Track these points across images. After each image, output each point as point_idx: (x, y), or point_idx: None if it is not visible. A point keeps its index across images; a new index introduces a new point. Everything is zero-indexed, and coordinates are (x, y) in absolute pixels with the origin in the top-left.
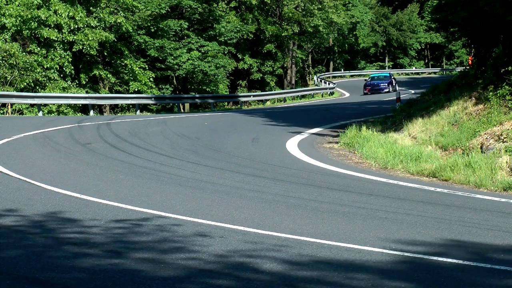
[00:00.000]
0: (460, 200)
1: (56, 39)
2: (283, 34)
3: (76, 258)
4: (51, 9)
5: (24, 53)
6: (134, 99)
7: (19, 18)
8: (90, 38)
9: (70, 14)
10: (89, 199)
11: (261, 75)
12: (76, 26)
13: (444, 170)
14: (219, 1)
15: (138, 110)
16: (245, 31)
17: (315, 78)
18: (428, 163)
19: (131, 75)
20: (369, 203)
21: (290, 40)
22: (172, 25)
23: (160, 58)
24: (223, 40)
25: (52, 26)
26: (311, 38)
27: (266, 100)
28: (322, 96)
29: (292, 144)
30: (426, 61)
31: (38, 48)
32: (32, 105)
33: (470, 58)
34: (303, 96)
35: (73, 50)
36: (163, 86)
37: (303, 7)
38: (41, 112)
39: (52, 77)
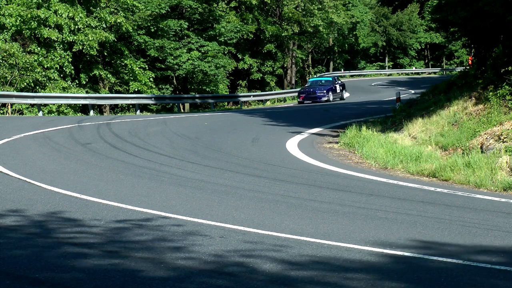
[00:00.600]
0: (460, 200)
1: (56, 39)
2: (283, 34)
3: (76, 258)
4: (51, 9)
5: (24, 53)
6: (134, 99)
7: (19, 18)
8: (90, 38)
9: (70, 14)
10: (89, 199)
11: (261, 75)
12: (76, 27)
13: (444, 170)
14: (219, 1)
15: (138, 110)
16: (245, 31)
17: None
18: (428, 163)
19: (131, 75)
20: (369, 203)
21: (290, 40)
22: (172, 25)
23: (160, 58)
24: (223, 40)
25: (53, 26)
26: (311, 38)
27: (266, 100)
28: None
29: (292, 144)
30: (426, 61)
31: (39, 48)
32: (32, 105)
33: (470, 58)
34: None
35: (73, 50)
36: (163, 86)
37: (303, 7)
38: (41, 112)
39: (52, 77)
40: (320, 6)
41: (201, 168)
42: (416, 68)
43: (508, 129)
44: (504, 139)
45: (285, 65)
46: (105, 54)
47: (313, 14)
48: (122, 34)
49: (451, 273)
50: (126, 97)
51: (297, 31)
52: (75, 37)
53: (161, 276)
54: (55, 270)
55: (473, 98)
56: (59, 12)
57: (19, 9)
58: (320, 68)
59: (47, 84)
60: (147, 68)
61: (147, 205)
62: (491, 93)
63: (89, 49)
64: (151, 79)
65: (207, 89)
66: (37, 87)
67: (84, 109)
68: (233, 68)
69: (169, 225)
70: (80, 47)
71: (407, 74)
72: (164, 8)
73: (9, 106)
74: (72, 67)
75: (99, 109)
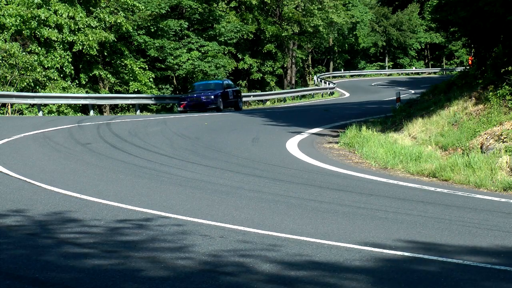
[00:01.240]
0: (460, 200)
1: (56, 39)
2: (283, 34)
3: (76, 258)
4: (51, 9)
5: (24, 53)
6: (134, 99)
7: (19, 18)
8: (90, 38)
9: (70, 14)
10: (89, 199)
11: (261, 75)
12: (76, 27)
13: (444, 170)
14: (219, 1)
15: (138, 110)
16: (245, 31)
17: (315, 78)
18: (428, 163)
19: (131, 75)
20: (369, 203)
21: (290, 40)
22: (172, 25)
23: (160, 58)
24: (223, 40)
25: (53, 26)
26: (311, 38)
27: (266, 100)
28: (322, 96)
29: (292, 144)
30: (426, 61)
31: (39, 48)
32: (32, 105)
33: (470, 58)
34: (303, 96)
35: (73, 50)
36: (163, 86)
37: (303, 7)
38: (41, 112)
39: (52, 77)
40: (320, 6)
41: (201, 168)
42: (416, 68)
43: (508, 129)
44: (504, 139)
45: (285, 65)
46: (105, 54)
47: (313, 14)
48: (122, 34)
49: (451, 273)
50: (126, 97)
51: (297, 31)
52: (75, 37)
53: (161, 276)
54: (55, 270)
55: (473, 98)
56: (59, 12)
57: (19, 9)
58: (320, 68)
59: (47, 84)
60: (147, 68)
61: (147, 205)
62: (491, 93)
63: (89, 49)
64: (151, 79)
65: None
66: (37, 87)
67: (84, 109)
68: (233, 68)
69: (169, 225)
70: (80, 47)
71: (407, 74)
72: (164, 8)
73: (9, 106)
74: (72, 67)
75: (99, 109)
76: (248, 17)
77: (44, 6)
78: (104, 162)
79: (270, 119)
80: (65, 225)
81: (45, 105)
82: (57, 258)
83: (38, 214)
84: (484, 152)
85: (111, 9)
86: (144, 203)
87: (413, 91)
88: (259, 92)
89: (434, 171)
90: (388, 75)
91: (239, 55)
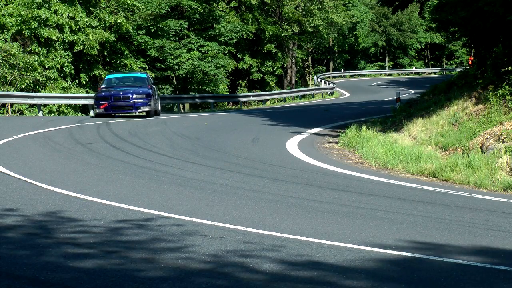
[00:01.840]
0: (460, 200)
1: (56, 39)
2: (283, 34)
3: (76, 258)
4: (52, 9)
5: (24, 53)
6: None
7: (19, 18)
8: (91, 38)
9: (71, 14)
10: (89, 199)
11: (261, 75)
12: (77, 27)
13: (444, 170)
14: (219, 1)
15: None
16: (245, 31)
17: (315, 78)
18: (428, 163)
19: None
20: (369, 203)
21: (290, 40)
22: (172, 25)
23: (160, 58)
24: (223, 40)
25: (53, 26)
26: (311, 38)
27: (266, 100)
28: (322, 96)
29: (292, 144)
30: (426, 61)
31: (39, 48)
32: (32, 105)
33: (470, 58)
34: (303, 96)
35: (74, 50)
36: (163, 86)
37: (303, 7)
38: (41, 112)
39: (53, 77)
40: (320, 6)
41: (201, 168)
42: (416, 68)
43: (508, 129)
44: (504, 139)
45: (285, 65)
46: (105, 54)
47: (313, 14)
48: (122, 34)
49: (451, 273)
50: None
51: (297, 31)
52: (75, 37)
53: (161, 276)
54: (55, 270)
55: (473, 98)
56: (60, 12)
57: (19, 9)
58: (320, 68)
59: (47, 84)
60: (147, 68)
61: (147, 205)
62: (491, 93)
63: (90, 49)
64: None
65: (207, 89)
66: (37, 87)
67: (84, 109)
68: (233, 68)
69: (169, 225)
70: (81, 47)
71: (407, 74)
72: (164, 8)
73: (9, 106)
74: (72, 67)
75: None
76: (248, 17)
77: (44, 6)
78: (104, 162)
79: (270, 119)
80: (65, 225)
81: (45, 105)
82: (57, 258)
83: (38, 214)
84: (484, 152)
85: (111, 9)
86: (144, 203)
87: (413, 91)
88: (259, 92)
89: (434, 171)
90: (388, 75)
91: (239, 55)
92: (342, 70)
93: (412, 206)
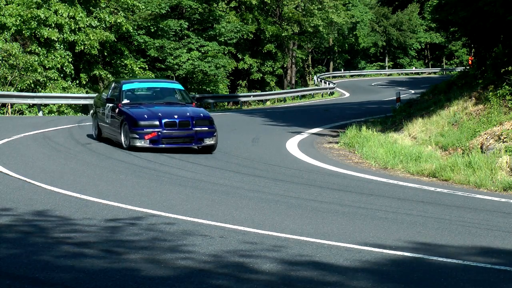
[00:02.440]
0: (460, 200)
1: (56, 39)
2: (283, 34)
3: (76, 258)
4: (51, 9)
5: (24, 54)
6: None
7: (19, 18)
8: (91, 38)
9: (71, 14)
10: (89, 199)
11: (261, 75)
12: (77, 27)
13: (444, 170)
14: (219, 1)
15: None
16: (245, 31)
17: (315, 78)
18: (428, 163)
19: (131, 75)
20: (369, 203)
21: (290, 40)
22: (172, 25)
23: (160, 58)
24: (223, 40)
25: (53, 26)
26: (311, 38)
27: (266, 100)
28: (322, 96)
29: (292, 144)
30: (426, 61)
31: (39, 48)
32: (32, 105)
33: (470, 58)
34: (303, 96)
35: (75, 50)
36: None
37: (303, 7)
38: (41, 112)
39: (53, 77)
40: (320, 6)
41: (201, 168)
42: (416, 68)
43: (508, 129)
44: (504, 139)
45: (285, 65)
46: (105, 54)
47: (313, 14)
48: (122, 34)
49: (451, 273)
50: None
51: (297, 31)
52: (75, 37)
53: (161, 276)
54: (55, 270)
55: (473, 98)
56: (60, 12)
57: (19, 9)
58: (320, 68)
59: (48, 84)
60: (147, 68)
61: (147, 205)
62: (491, 93)
63: (90, 49)
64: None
65: (207, 89)
66: (38, 87)
67: (84, 109)
68: (233, 68)
69: (169, 225)
70: (82, 47)
71: (407, 74)
72: (164, 8)
73: (9, 106)
74: (73, 67)
75: None
76: (248, 17)
77: (44, 6)
78: (104, 162)
79: (270, 119)
80: (65, 225)
81: (45, 105)
82: (57, 258)
83: (38, 214)
84: (484, 152)
85: (111, 9)
86: (144, 203)
87: (413, 91)
88: (259, 92)
89: (434, 171)
90: (388, 75)
91: (239, 55)
92: (342, 70)
93: (412, 206)
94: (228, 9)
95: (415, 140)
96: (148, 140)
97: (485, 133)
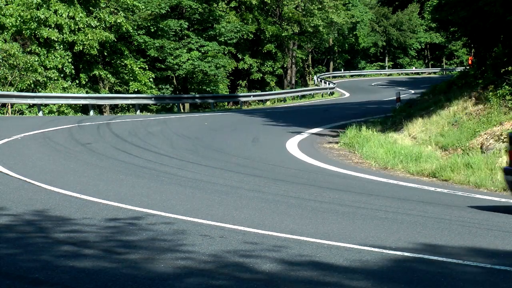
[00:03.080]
0: (460, 200)
1: (56, 39)
2: (283, 34)
3: (76, 258)
4: (51, 9)
5: (24, 54)
6: (134, 99)
7: (19, 18)
8: (90, 38)
9: (70, 14)
10: (89, 199)
11: (261, 75)
12: (77, 27)
13: (444, 170)
14: (219, 1)
15: (138, 110)
16: (245, 31)
17: (315, 78)
18: (428, 163)
19: (131, 75)
20: (369, 203)
21: (290, 40)
22: (172, 25)
23: (160, 58)
24: (223, 40)
25: (53, 26)
26: (311, 38)
27: (266, 100)
28: (322, 96)
29: (292, 144)
30: (426, 61)
31: (39, 48)
32: (32, 105)
33: (470, 58)
34: (303, 96)
35: (74, 50)
36: (163, 86)
37: (303, 7)
38: (41, 112)
39: (53, 77)
40: (320, 6)
41: (201, 168)
42: (416, 68)
43: (508, 129)
44: (504, 139)
45: (285, 65)
46: (105, 54)
47: (313, 14)
48: (122, 34)
49: (451, 273)
50: (126, 97)
51: (297, 31)
52: (75, 37)
53: (161, 276)
54: (55, 270)
55: (473, 98)
56: (59, 12)
57: (19, 9)
58: (320, 68)
59: (48, 84)
60: (147, 68)
61: (147, 205)
62: (491, 93)
63: (89, 48)
64: (151, 79)
65: (207, 89)
66: (38, 87)
67: (84, 109)
68: (233, 68)
69: (168, 225)
70: (81, 47)
71: (407, 74)
72: (164, 8)
73: (9, 106)
74: (73, 67)
75: (99, 109)
76: (248, 17)
77: (44, 6)
78: (104, 162)
79: (270, 119)
80: (65, 225)
81: (45, 105)
82: (57, 258)
83: (38, 214)
84: (484, 152)
85: (111, 9)
86: (144, 203)
87: (413, 91)
88: (259, 92)
89: (434, 171)
90: (388, 75)
91: (239, 55)
92: (342, 70)
93: (412, 206)
94: (228, 9)
95: (415, 140)
96: None
97: (485, 133)
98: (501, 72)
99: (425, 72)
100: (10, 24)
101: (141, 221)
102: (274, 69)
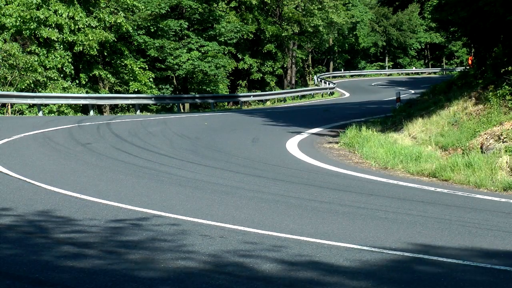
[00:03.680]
0: (460, 200)
1: (56, 39)
2: (283, 34)
3: (76, 258)
4: (51, 9)
5: (24, 54)
6: (134, 99)
7: (19, 18)
8: (90, 38)
9: (70, 14)
10: (89, 199)
11: (261, 75)
12: (76, 27)
13: (444, 170)
14: (219, 1)
15: (138, 110)
16: (245, 31)
17: (315, 78)
18: (428, 163)
19: (131, 75)
20: (369, 203)
21: (290, 40)
22: (172, 25)
23: (160, 58)
24: (223, 40)
25: (53, 26)
26: (311, 38)
27: (266, 100)
28: (322, 96)
29: (292, 144)
30: (426, 61)
31: (39, 48)
32: (32, 105)
33: (470, 58)
34: (303, 96)
35: (74, 51)
36: (163, 86)
37: (303, 7)
38: (41, 112)
39: (53, 77)
40: (320, 6)
41: (201, 168)
42: (416, 68)
43: (508, 129)
44: (504, 139)
45: (285, 65)
46: (105, 54)
47: (313, 14)
48: (122, 34)
49: (451, 273)
50: (126, 97)
51: (297, 31)
52: (75, 37)
53: (161, 276)
54: (55, 270)
55: (473, 98)
56: (59, 12)
57: (19, 9)
58: (320, 68)
59: (48, 84)
60: (147, 68)
61: (147, 205)
62: (491, 93)
63: (89, 49)
64: (151, 79)
65: (207, 89)
66: (38, 87)
67: (84, 109)
68: (233, 68)
69: (169, 225)
70: (81, 48)
71: (407, 74)
72: (164, 8)
73: (9, 106)
74: (72, 67)
75: (99, 109)
76: (248, 17)
77: (44, 6)
78: (104, 162)
79: (270, 119)
80: (65, 225)
81: (45, 105)
82: (57, 258)
83: (38, 214)
84: (484, 152)
85: (111, 9)
86: (144, 203)
87: (413, 91)
88: (259, 92)
89: (434, 171)
90: (388, 75)
91: (239, 55)
92: (342, 70)
93: (412, 206)
94: (228, 9)
95: (415, 140)
96: None
97: (485, 133)
98: (501, 72)
99: (425, 72)
100: (10, 24)
101: (141, 221)
102: (274, 69)
